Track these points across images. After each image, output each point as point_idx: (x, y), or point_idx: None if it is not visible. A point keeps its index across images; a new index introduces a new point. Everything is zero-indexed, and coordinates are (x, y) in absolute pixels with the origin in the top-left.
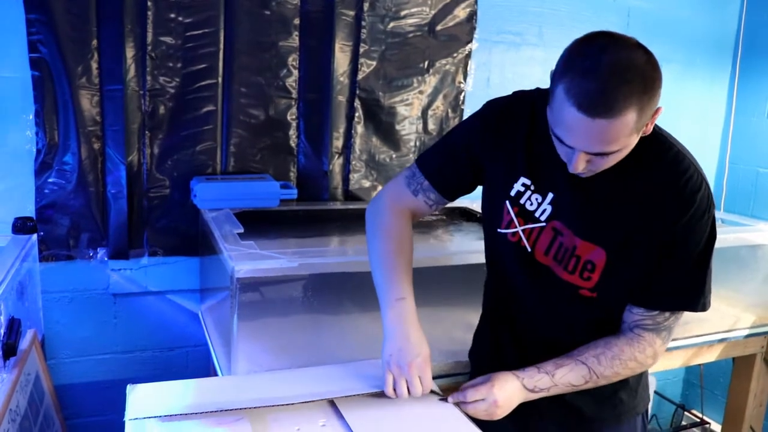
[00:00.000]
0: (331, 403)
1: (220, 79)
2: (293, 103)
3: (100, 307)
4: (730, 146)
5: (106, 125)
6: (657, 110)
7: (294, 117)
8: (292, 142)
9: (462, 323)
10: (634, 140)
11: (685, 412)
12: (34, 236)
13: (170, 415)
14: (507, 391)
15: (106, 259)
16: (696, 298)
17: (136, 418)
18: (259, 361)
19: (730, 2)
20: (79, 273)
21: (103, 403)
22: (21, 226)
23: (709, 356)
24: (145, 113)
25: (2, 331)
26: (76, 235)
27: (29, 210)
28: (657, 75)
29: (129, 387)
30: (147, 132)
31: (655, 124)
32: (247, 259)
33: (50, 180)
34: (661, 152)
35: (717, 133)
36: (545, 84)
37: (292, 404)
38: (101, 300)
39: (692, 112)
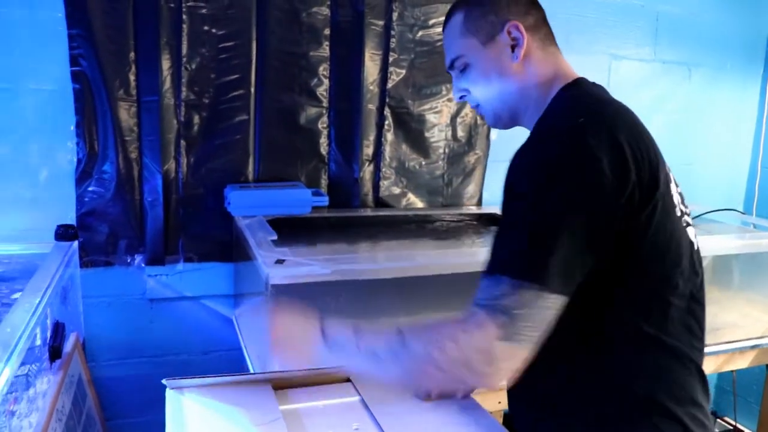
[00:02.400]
0: (365, 406)
1: (252, 89)
2: (324, 111)
3: (137, 311)
4: (762, 150)
5: (143, 135)
6: (507, 23)
7: (325, 125)
8: (323, 150)
9: None
10: (473, 48)
11: (718, 419)
12: (76, 243)
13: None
14: (289, 319)
15: (143, 265)
16: (490, 258)
17: (176, 388)
18: (293, 365)
19: (761, 4)
20: (117, 278)
21: (140, 404)
22: (63, 233)
23: (742, 362)
24: (181, 123)
25: (48, 335)
26: (114, 242)
27: (70, 218)
28: None
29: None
30: (182, 141)
31: (584, 90)
32: (281, 266)
33: (90, 188)
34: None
35: (749, 137)
36: None
37: (331, 407)
38: (138, 305)
39: (723, 115)
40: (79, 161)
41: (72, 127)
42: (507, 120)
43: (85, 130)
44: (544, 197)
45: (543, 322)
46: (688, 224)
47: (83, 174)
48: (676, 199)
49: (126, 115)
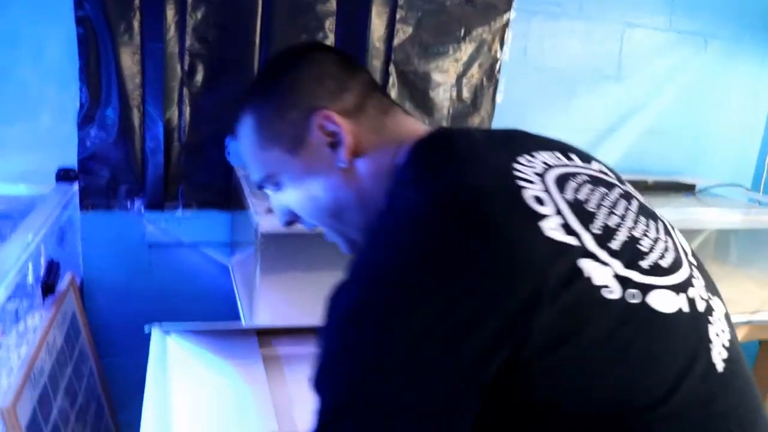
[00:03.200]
0: None
1: (257, 41)
2: None
3: (135, 255)
4: None
5: (146, 82)
6: (313, 115)
7: None
8: None
9: None
10: (279, 160)
11: None
12: (76, 185)
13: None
14: None
15: (142, 210)
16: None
17: (163, 331)
18: (281, 313)
19: None
20: (116, 222)
21: (135, 344)
22: (63, 175)
23: None
24: (184, 72)
25: (42, 272)
26: (115, 186)
27: (72, 161)
28: (277, 76)
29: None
30: (185, 90)
31: (427, 173)
32: (271, 215)
33: (92, 133)
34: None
35: (762, 114)
36: (586, 55)
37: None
38: (137, 249)
39: (738, 90)
40: (81, 105)
41: (75, 72)
42: (359, 241)
43: (89, 74)
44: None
45: None
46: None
47: (85, 118)
48: (668, 280)
49: (129, 61)
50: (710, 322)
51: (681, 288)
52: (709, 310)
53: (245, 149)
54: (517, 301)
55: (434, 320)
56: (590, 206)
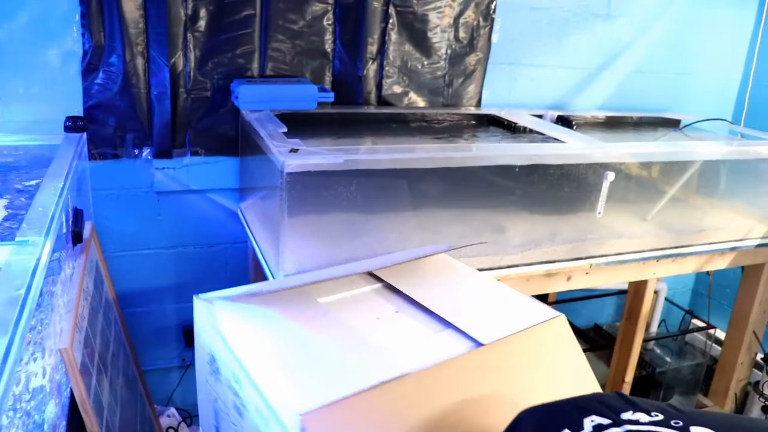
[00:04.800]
0: (396, 292)
1: None
2: (329, 8)
3: (145, 204)
4: (756, 63)
5: (149, 28)
6: None
7: (330, 22)
8: (328, 47)
9: (489, 224)
10: None
11: (693, 319)
12: (85, 135)
13: (242, 296)
14: None
15: (150, 158)
16: None
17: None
18: (306, 254)
19: None
20: (125, 171)
21: (149, 293)
22: (72, 125)
23: (721, 263)
24: (187, 16)
25: (70, 221)
26: (122, 135)
27: (77, 110)
28: None
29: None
30: (189, 35)
31: None
32: (295, 155)
33: (97, 81)
34: None
35: (743, 51)
36: None
37: (364, 295)
38: (146, 197)
39: (721, 27)
40: (84, 53)
41: (77, 17)
42: None
43: (91, 21)
44: None
45: None
46: None
47: (89, 66)
48: None
49: (132, 6)
50: None
51: None
52: None
53: None
54: None
55: None
56: None
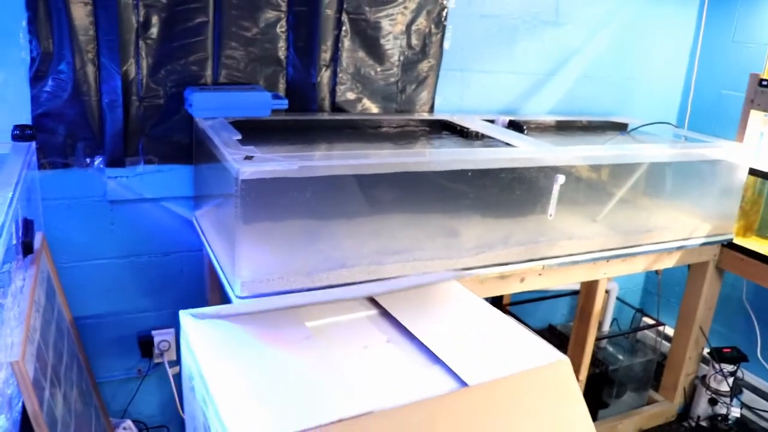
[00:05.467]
0: (392, 320)
1: None
2: (283, 15)
3: (97, 213)
4: (697, 68)
5: (100, 35)
6: None
7: (283, 29)
8: (282, 54)
9: (443, 228)
10: None
11: (644, 317)
12: (34, 144)
13: (230, 315)
14: None
15: (102, 166)
16: None
17: (194, 315)
18: (262, 261)
19: None
20: (76, 180)
21: (103, 304)
22: (20, 133)
23: (669, 262)
24: (139, 23)
25: (20, 232)
26: (72, 144)
27: (25, 118)
28: None
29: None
30: (141, 42)
31: None
32: (250, 162)
33: (45, 89)
34: None
35: (685, 56)
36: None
37: (356, 321)
38: (98, 207)
39: (662, 34)
40: (32, 60)
41: (24, 23)
42: None
43: (38, 27)
44: None
45: None
46: None
47: (38, 74)
48: None
49: (81, 12)
50: None
51: None
52: None
53: None
54: None
55: None
56: None
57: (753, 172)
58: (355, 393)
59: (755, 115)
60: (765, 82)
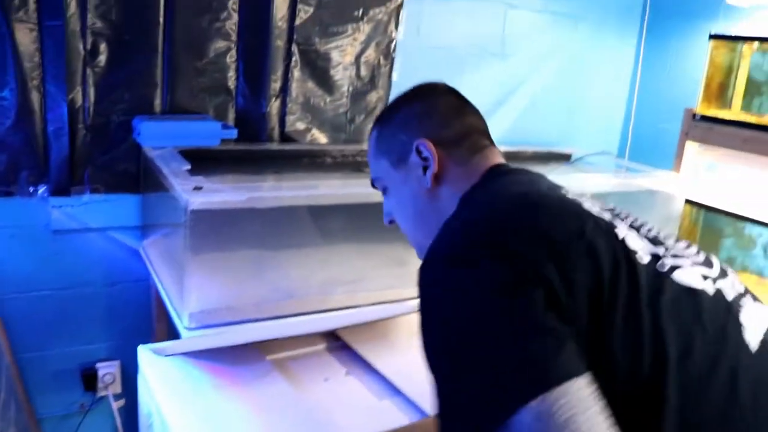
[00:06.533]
0: (352, 352)
1: (161, 20)
2: (233, 45)
3: (40, 243)
4: (636, 99)
5: (45, 62)
6: (416, 141)
7: (233, 59)
8: (231, 84)
9: (391, 257)
10: (386, 170)
11: None
12: None
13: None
14: None
15: (46, 195)
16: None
17: (156, 352)
18: (211, 291)
19: None
20: (18, 209)
21: (46, 337)
22: None
23: None
24: (87, 51)
25: None
26: (15, 171)
27: None
28: (402, 103)
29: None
30: (88, 70)
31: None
32: (199, 192)
33: None
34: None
35: (624, 90)
36: (473, 34)
37: (316, 353)
38: (41, 236)
39: (603, 68)
40: None
41: None
42: None
43: None
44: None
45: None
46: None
47: None
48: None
49: (26, 39)
50: (740, 308)
51: (710, 277)
52: (738, 299)
53: (370, 153)
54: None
55: (501, 271)
56: (630, 220)
57: (688, 201)
58: (317, 427)
59: (690, 147)
60: (698, 117)
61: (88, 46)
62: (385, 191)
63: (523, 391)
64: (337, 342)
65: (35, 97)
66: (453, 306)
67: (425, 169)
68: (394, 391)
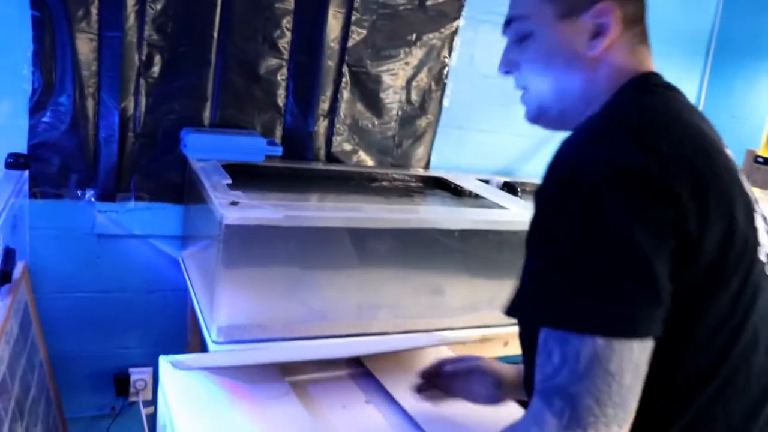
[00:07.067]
0: (374, 380)
1: (215, 35)
2: (284, 63)
3: (84, 246)
4: None
5: (102, 70)
6: (600, 2)
7: (284, 77)
8: (281, 102)
9: (428, 285)
10: (545, 16)
11: None
12: (26, 173)
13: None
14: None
15: (93, 200)
16: (512, 299)
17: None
18: (241, 307)
19: (706, 2)
20: (66, 212)
21: (82, 338)
22: (14, 162)
23: None
24: (141, 62)
25: (0, 260)
26: (65, 175)
27: (21, 147)
28: None
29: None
30: (142, 80)
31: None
32: (235, 207)
33: (44, 119)
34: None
35: None
36: None
37: (337, 378)
38: (86, 239)
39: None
40: (34, 91)
41: (29, 54)
42: (553, 121)
43: (42, 59)
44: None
45: (622, 388)
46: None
47: (38, 104)
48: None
49: (86, 48)
50: None
51: None
52: None
53: None
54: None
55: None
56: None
57: None
58: None
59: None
60: (760, 159)
61: (144, 57)
62: (523, 38)
63: (601, 324)
64: (360, 368)
65: (90, 104)
66: (587, 205)
67: (594, 35)
68: (413, 425)
